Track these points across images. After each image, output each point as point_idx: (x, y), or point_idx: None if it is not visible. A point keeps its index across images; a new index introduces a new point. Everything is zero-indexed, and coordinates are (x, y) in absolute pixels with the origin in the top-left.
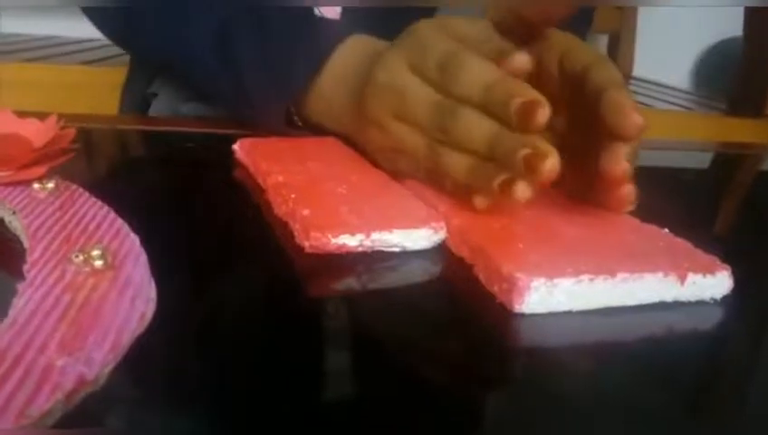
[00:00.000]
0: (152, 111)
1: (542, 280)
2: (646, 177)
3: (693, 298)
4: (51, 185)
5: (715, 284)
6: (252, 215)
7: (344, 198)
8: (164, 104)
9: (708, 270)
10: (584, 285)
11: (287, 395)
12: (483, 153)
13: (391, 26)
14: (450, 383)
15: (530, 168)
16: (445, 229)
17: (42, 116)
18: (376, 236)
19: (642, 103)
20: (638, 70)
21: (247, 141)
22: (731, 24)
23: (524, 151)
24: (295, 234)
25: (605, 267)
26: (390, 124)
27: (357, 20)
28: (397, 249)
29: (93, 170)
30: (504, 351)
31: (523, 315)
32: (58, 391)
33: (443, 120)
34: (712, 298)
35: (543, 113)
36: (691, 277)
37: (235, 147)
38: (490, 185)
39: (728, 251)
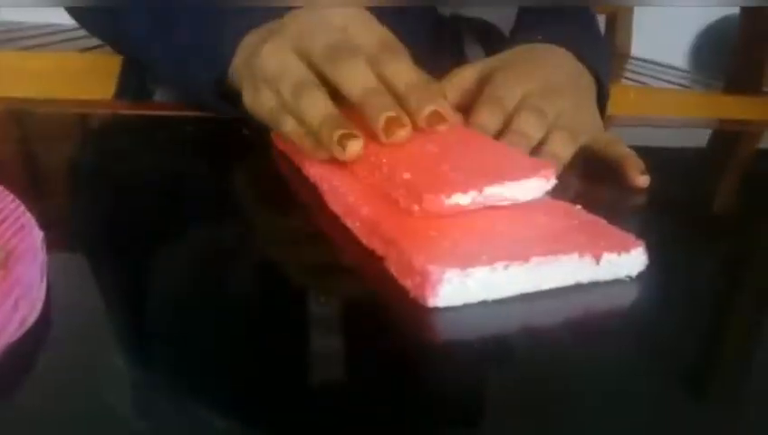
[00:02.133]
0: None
1: (456, 271)
2: (645, 156)
3: (609, 277)
4: None
5: (631, 261)
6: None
7: (438, 157)
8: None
9: (623, 248)
10: (499, 274)
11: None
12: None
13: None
14: (368, 385)
15: (341, 146)
16: (555, 176)
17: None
18: (489, 191)
19: (640, 82)
20: (636, 49)
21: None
22: (728, 2)
23: (338, 132)
24: (400, 199)
25: (519, 252)
26: (261, 87)
27: None
28: (506, 202)
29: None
30: (420, 348)
31: (437, 309)
32: None
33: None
34: (628, 276)
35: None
36: (606, 256)
37: None
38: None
39: (726, 229)
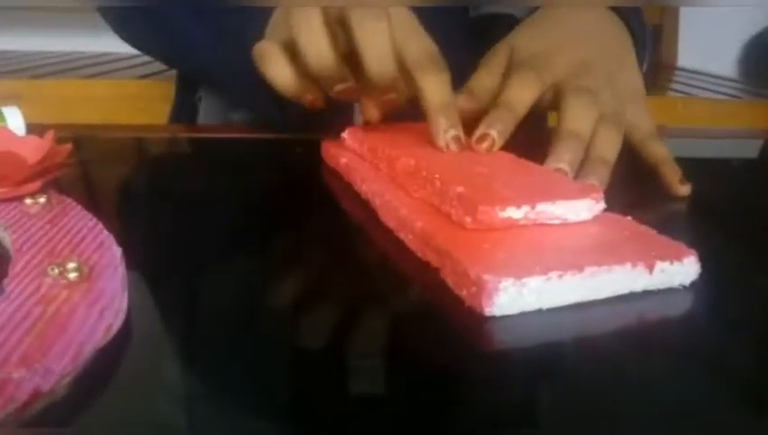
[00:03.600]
0: (201, 119)
1: (511, 280)
2: (694, 167)
3: (662, 286)
4: (42, 200)
5: (684, 270)
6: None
7: (489, 176)
8: (212, 111)
9: (676, 257)
10: (553, 283)
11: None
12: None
13: None
14: (425, 394)
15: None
16: (603, 201)
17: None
18: (541, 208)
19: (687, 93)
20: (683, 60)
21: (358, 129)
22: None
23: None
24: (452, 212)
25: (573, 262)
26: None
27: None
28: (557, 221)
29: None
30: (478, 355)
31: (493, 318)
32: (11, 404)
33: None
34: (681, 284)
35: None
36: (659, 265)
37: (345, 135)
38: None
39: None
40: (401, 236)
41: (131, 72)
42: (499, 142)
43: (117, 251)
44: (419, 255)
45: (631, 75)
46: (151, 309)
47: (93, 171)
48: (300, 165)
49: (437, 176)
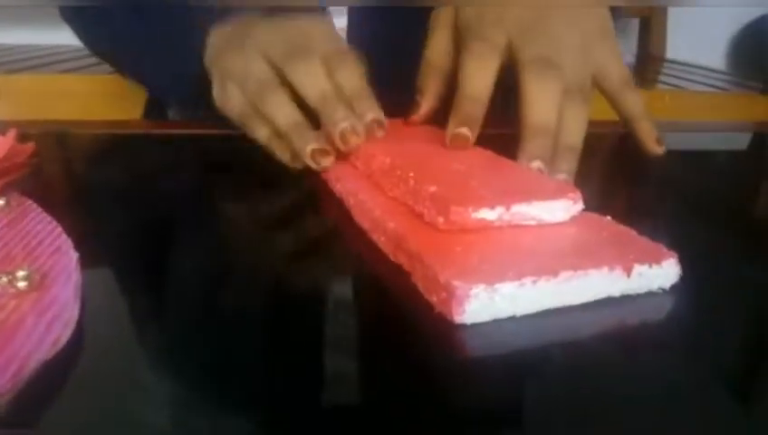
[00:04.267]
0: (172, 115)
1: (482, 286)
2: (680, 161)
3: (641, 290)
4: (1, 202)
5: (663, 273)
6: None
7: (465, 174)
8: (183, 107)
9: (655, 260)
10: (527, 288)
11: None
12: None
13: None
14: (393, 403)
15: (314, 160)
16: (581, 201)
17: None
18: (516, 208)
19: (675, 86)
20: (671, 52)
21: None
22: (765, 1)
23: (311, 147)
24: (425, 212)
25: (548, 267)
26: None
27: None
28: (533, 222)
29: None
30: (447, 365)
31: (464, 326)
32: None
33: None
34: (660, 288)
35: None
36: (637, 269)
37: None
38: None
39: (765, 238)
40: (374, 237)
41: (109, 66)
42: (473, 138)
43: (74, 257)
44: (391, 257)
45: (596, 13)
46: (107, 319)
47: (59, 171)
48: (274, 162)
49: (411, 174)
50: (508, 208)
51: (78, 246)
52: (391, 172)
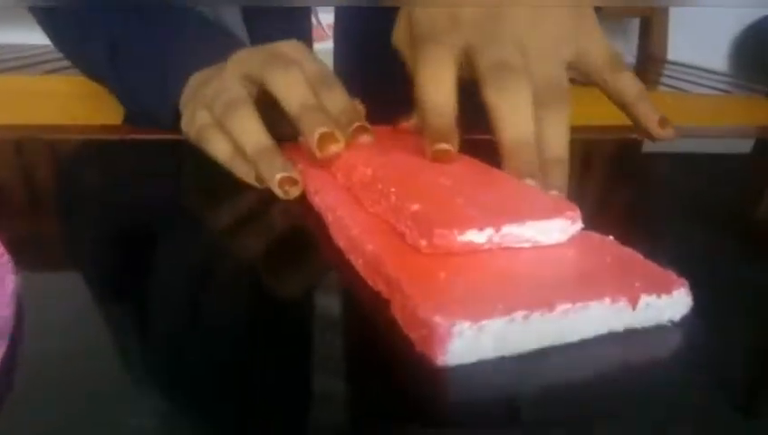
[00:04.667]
0: None
1: (467, 324)
2: (689, 168)
3: (649, 323)
4: None
5: (673, 304)
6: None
7: (452, 190)
8: None
9: (663, 289)
10: (518, 325)
11: None
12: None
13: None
14: None
15: (282, 189)
16: (580, 220)
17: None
18: (507, 230)
19: (676, 88)
20: (672, 53)
21: None
22: None
23: (279, 175)
24: (406, 233)
25: (542, 298)
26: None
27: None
28: (527, 244)
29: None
30: (427, 415)
31: (447, 368)
32: None
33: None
34: (670, 321)
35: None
36: (644, 300)
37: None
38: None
39: None
40: (352, 259)
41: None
42: (454, 149)
43: (9, 269)
44: (370, 283)
45: (580, 17)
46: (46, 335)
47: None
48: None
49: (393, 190)
50: (498, 230)
51: (21, 253)
52: (372, 186)
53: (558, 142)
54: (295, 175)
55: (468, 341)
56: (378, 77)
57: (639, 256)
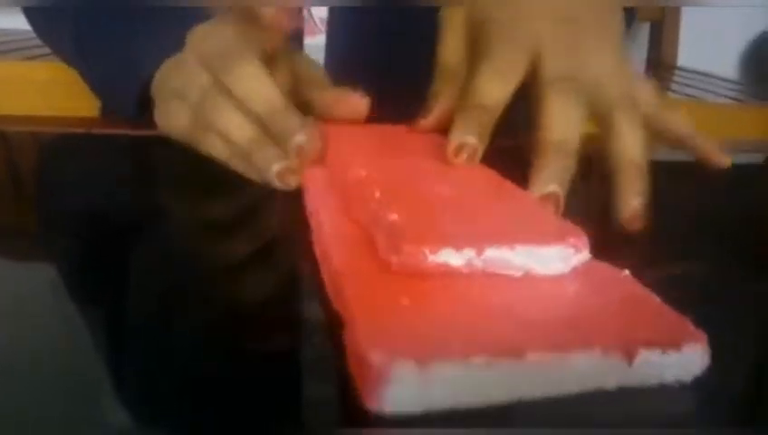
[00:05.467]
0: None
1: (411, 364)
2: (691, 175)
3: (650, 382)
4: None
5: (683, 362)
6: None
7: (446, 202)
8: None
9: (671, 342)
10: (476, 372)
11: None
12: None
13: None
14: None
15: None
16: (588, 247)
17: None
18: (491, 253)
19: (688, 95)
20: (683, 59)
21: (327, 125)
22: None
23: (277, 167)
24: (378, 246)
25: (512, 341)
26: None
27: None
28: (518, 273)
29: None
30: None
31: (384, 419)
32: None
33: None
34: (678, 381)
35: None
36: (644, 355)
37: None
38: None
39: None
40: (323, 271)
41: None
42: (481, 148)
43: None
44: (333, 302)
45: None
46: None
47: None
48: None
49: (377, 195)
50: (480, 253)
51: None
52: (360, 189)
53: (635, 144)
54: (292, 164)
55: (412, 387)
56: (372, 74)
57: (654, 297)
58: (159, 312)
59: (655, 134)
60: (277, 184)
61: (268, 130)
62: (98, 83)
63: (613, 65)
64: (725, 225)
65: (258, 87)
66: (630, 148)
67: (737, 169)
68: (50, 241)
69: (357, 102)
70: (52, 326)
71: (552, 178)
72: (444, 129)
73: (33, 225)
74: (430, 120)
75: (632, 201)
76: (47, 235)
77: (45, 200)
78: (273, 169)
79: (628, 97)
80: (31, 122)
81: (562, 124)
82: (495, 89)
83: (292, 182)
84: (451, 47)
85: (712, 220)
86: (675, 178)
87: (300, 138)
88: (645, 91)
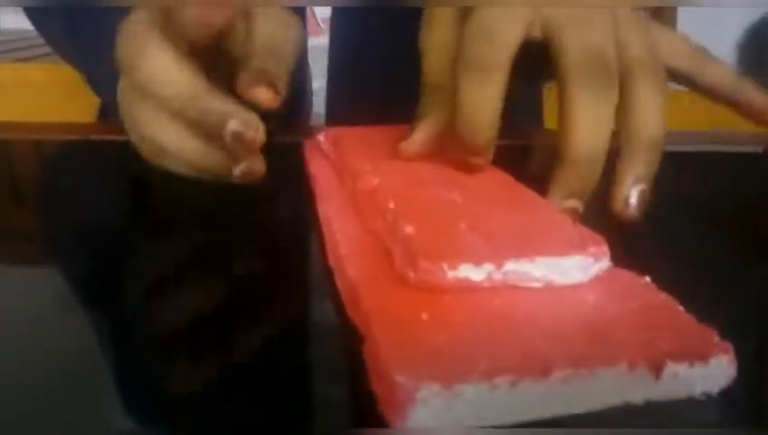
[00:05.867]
0: None
1: (437, 387)
2: (689, 166)
3: (677, 395)
4: None
5: (709, 374)
6: None
7: (461, 210)
8: None
9: (698, 355)
10: (502, 393)
11: None
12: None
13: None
14: None
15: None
16: (608, 255)
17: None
18: (511, 266)
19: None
20: None
21: (340, 130)
22: None
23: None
24: (395, 259)
25: (537, 359)
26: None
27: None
28: (538, 284)
29: None
30: None
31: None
32: None
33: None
34: (704, 394)
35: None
36: (671, 368)
37: (320, 138)
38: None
39: None
40: (337, 282)
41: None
42: (489, 154)
43: None
44: (349, 314)
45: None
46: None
47: None
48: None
49: (392, 206)
50: (500, 266)
51: None
52: (374, 197)
53: (655, 118)
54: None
55: (437, 409)
56: (376, 74)
57: (676, 305)
58: (163, 317)
59: (694, 90)
60: (233, 146)
61: (196, 127)
62: (93, 76)
63: (631, 19)
64: (733, 218)
65: (167, 77)
66: (649, 124)
67: (734, 157)
68: (49, 247)
69: (254, 169)
70: (52, 332)
71: (572, 192)
72: (427, 154)
73: (31, 231)
74: (413, 144)
75: (633, 187)
76: (46, 241)
77: (45, 207)
78: (229, 128)
79: (650, 56)
80: (28, 130)
81: (590, 128)
82: (481, 90)
83: (257, 170)
84: (434, 53)
85: (716, 213)
86: (675, 169)
87: (233, 124)
88: (676, 44)
